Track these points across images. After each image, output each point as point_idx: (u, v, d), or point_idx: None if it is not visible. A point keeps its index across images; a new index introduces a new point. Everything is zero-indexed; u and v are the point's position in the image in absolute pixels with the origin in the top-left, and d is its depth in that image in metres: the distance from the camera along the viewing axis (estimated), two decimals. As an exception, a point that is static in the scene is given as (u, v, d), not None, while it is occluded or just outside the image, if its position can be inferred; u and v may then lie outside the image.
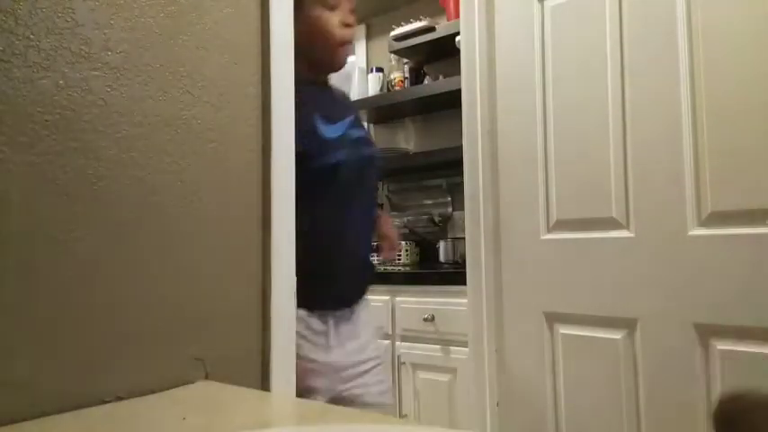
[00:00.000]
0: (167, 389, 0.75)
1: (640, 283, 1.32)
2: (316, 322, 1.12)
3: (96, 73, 0.70)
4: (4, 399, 0.60)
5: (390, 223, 1.50)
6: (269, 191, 0.92)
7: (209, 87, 0.84)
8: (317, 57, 1.11)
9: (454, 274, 2.03)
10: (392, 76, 2.85)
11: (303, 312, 1.04)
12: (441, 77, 2.62)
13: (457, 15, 1.90)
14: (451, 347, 2.05)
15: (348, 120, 1.18)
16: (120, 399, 0.70)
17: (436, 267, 2.51)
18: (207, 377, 0.81)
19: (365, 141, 1.24)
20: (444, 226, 2.75)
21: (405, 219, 2.92)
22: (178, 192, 0.79)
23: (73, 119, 0.67)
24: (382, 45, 2.95)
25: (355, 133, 1.19)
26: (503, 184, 1.59)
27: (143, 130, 0.75)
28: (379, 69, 2.92)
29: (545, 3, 1.51)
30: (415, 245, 2.76)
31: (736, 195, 1.20)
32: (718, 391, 1.20)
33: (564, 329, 1.45)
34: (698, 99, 1.25)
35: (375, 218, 1.30)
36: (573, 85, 1.45)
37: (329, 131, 1.11)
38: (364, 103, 2.85)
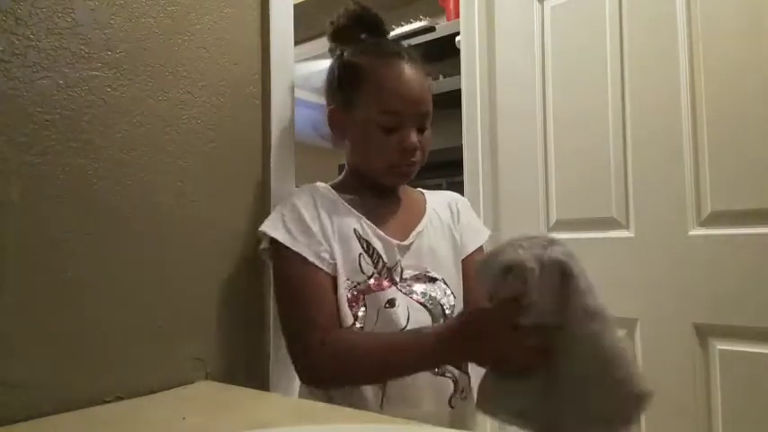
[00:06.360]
0: (167, 389, 0.75)
1: (640, 283, 1.31)
2: None
3: (96, 73, 0.70)
4: (5, 399, 0.60)
5: None
6: (268, 191, 0.92)
7: (209, 87, 0.84)
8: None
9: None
10: (392, 76, 2.84)
11: None
12: (441, 77, 2.62)
13: (457, 15, 1.89)
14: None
15: None
16: (120, 399, 0.70)
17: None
18: (207, 377, 0.81)
19: None
20: (444, 226, 2.74)
21: (405, 219, 2.91)
22: (178, 192, 0.79)
23: (73, 119, 0.67)
24: (382, 45, 2.94)
25: None
26: (503, 184, 1.59)
27: (143, 130, 0.75)
28: (380, 69, 2.91)
29: (545, 3, 1.51)
30: (416, 245, 2.75)
31: (736, 195, 1.20)
32: (717, 391, 1.20)
33: (564, 329, 1.45)
34: (698, 99, 1.25)
35: None
36: (573, 85, 1.45)
37: None
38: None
